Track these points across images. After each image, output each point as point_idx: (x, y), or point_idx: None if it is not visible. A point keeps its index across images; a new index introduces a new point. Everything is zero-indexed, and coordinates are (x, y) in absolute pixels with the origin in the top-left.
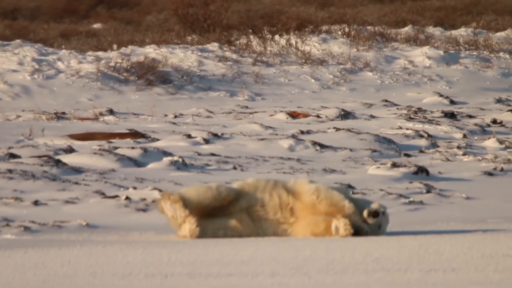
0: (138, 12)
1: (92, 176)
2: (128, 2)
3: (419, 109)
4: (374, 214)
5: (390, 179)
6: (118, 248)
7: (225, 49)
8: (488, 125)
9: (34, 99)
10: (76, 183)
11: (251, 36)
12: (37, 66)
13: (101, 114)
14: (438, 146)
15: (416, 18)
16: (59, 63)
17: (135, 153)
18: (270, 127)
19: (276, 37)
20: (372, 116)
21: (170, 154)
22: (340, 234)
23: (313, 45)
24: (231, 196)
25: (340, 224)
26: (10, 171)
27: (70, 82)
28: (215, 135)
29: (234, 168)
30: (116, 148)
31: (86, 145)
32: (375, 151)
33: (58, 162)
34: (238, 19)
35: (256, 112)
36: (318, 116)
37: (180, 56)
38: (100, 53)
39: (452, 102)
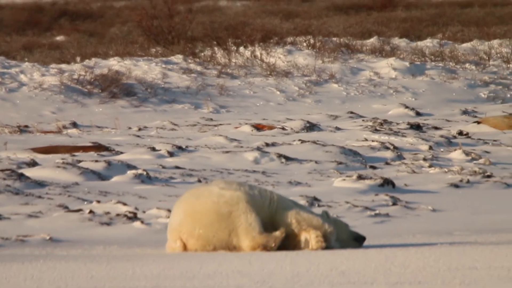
0: (101, 24)
1: (55, 190)
2: (92, 14)
3: (385, 121)
4: (361, 240)
5: (355, 191)
6: (82, 262)
7: (189, 61)
8: (454, 137)
9: None
10: (40, 197)
11: (216, 48)
12: None
13: (64, 127)
14: (404, 158)
15: (381, 29)
16: (22, 76)
17: (99, 166)
18: (235, 140)
19: (241, 48)
20: (338, 128)
21: (134, 167)
22: (311, 247)
23: (278, 56)
24: None
25: (311, 237)
26: None
27: (33, 95)
28: (180, 147)
29: (199, 181)
30: (80, 161)
31: (49, 158)
32: (340, 163)
33: (21, 176)
34: (203, 31)
35: (221, 124)
36: (283, 128)
37: (144, 69)
38: (63, 66)
39: (418, 114)
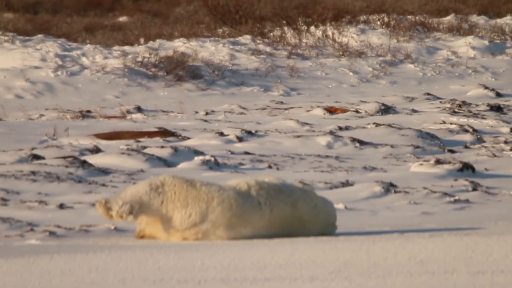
0: (166, 4)
1: (120, 177)
2: None
3: (464, 103)
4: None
5: (434, 176)
6: (149, 252)
7: (258, 41)
8: None
9: (58, 97)
10: (103, 185)
11: (285, 28)
12: (60, 62)
13: (128, 112)
14: (484, 141)
15: (459, 6)
16: (84, 59)
17: (165, 152)
18: (307, 124)
19: (312, 28)
20: (414, 111)
21: (202, 153)
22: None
23: (350, 36)
24: None
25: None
26: (33, 173)
27: (95, 79)
28: (249, 132)
29: (269, 167)
30: (145, 147)
31: (113, 144)
32: (417, 147)
33: (84, 163)
34: (271, 10)
35: (291, 107)
36: (357, 111)
37: (210, 50)
38: (126, 48)
39: (498, 95)
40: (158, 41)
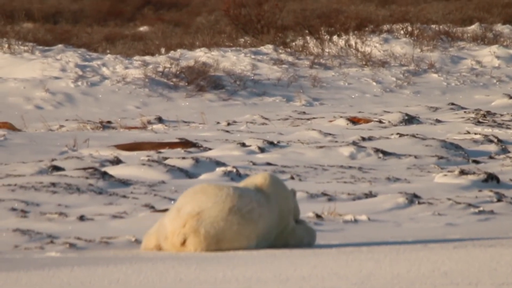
0: (187, 14)
1: (140, 189)
2: (177, 3)
3: (488, 113)
4: None
5: (458, 187)
6: (170, 265)
7: (280, 51)
8: None
9: (78, 107)
10: (124, 196)
11: (308, 37)
12: (80, 73)
13: (149, 122)
14: (509, 152)
15: (483, 15)
16: (104, 69)
17: (186, 163)
18: (329, 134)
19: (334, 37)
20: (438, 121)
21: (223, 164)
22: None
23: (374, 45)
24: None
25: None
26: (53, 184)
27: (116, 89)
28: (271, 143)
29: (292, 178)
30: (166, 158)
31: (133, 155)
32: (441, 157)
33: (105, 174)
34: (294, 19)
35: (314, 118)
36: (380, 122)
37: (232, 60)
38: (147, 58)
39: None
40: (179, 51)
